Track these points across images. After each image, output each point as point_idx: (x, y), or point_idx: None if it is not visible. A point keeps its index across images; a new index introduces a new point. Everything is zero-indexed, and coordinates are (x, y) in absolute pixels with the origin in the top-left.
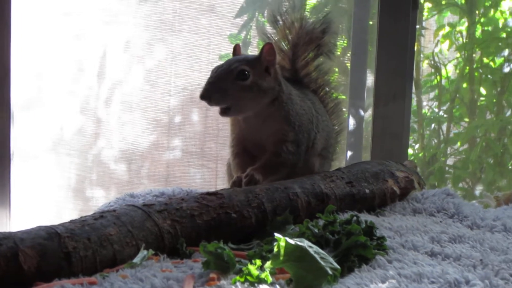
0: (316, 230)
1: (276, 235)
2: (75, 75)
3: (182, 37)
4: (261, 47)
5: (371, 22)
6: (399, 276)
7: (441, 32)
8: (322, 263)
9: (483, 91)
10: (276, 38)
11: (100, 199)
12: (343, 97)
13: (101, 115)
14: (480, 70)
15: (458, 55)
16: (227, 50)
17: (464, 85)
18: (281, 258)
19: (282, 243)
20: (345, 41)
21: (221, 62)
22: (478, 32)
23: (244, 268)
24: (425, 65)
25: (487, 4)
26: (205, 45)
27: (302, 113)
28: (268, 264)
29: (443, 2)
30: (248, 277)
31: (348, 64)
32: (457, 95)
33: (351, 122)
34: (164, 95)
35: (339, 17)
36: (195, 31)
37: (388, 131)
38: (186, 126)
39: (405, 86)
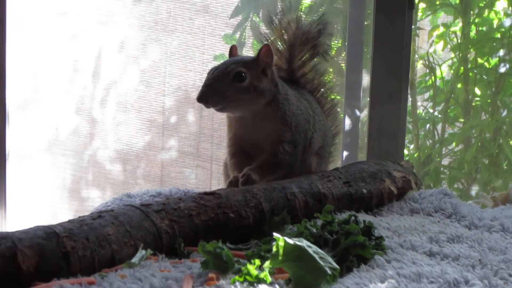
0: (314, 230)
1: (275, 234)
2: (71, 75)
3: (176, 38)
4: (255, 47)
5: (366, 22)
6: (398, 276)
7: (436, 33)
8: (321, 263)
9: (477, 91)
10: (272, 38)
11: (95, 199)
12: (338, 97)
13: (96, 115)
14: (474, 70)
15: (452, 55)
16: (222, 50)
17: (459, 85)
18: (280, 258)
19: (281, 243)
20: (340, 41)
21: (216, 62)
22: (473, 33)
23: (243, 268)
24: (419, 66)
25: (481, 4)
26: (199, 45)
27: (298, 113)
28: (267, 264)
29: (437, 3)
30: (247, 277)
31: (343, 65)
32: (452, 96)
33: (347, 122)
34: (158, 95)
35: (334, 18)
36: (189, 31)
37: (384, 131)
38: (181, 126)
39: (401, 86)
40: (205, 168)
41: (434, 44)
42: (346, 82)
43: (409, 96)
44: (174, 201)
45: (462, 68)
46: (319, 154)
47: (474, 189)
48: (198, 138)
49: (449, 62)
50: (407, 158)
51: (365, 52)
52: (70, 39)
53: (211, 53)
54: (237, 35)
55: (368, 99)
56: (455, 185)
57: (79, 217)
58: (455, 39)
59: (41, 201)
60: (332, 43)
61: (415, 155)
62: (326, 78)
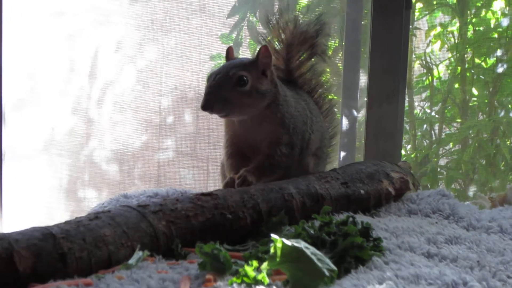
0: (312, 231)
1: (273, 236)
2: (67, 75)
3: (173, 37)
4: (252, 47)
5: (363, 22)
6: (396, 277)
7: (433, 33)
8: (319, 264)
9: (475, 91)
10: (269, 38)
11: (92, 199)
12: (335, 97)
13: (93, 116)
14: (472, 70)
15: (450, 55)
16: (218, 50)
17: (456, 85)
18: (278, 259)
19: (279, 244)
20: (337, 41)
21: (212, 62)
22: (470, 33)
23: (240, 270)
24: (416, 66)
25: (478, 4)
26: (196, 45)
27: (296, 114)
28: (264, 265)
29: (435, 2)
30: (245, 279)
31: (340, 64)
32: (449, 96)
33: (344, 122)
34: (155, 95)
35: (331, 17)
36: (186, 31)
37: (382, 132)
38: (178, 126)
39: (399, 86)
40: (201, 169)
41: (431, 44)
42: (343, 82)
43: (406, 96)
44: (171, 202)
45: (459, 68)
46: (316, 155)
47: (472, 190)
48: (194, 139)
49: (446, 62)
50: (404, 159)
51: (362, 52)
52: (67, 38)
53: (208, 53)
54: (234, 35)
55: (366, 99)
56: (452, 186)
57: (76, 218)
58: (452, 39)
59: (37, 202)
60: (329, 43)
61: (412, 155)
62: (323, 78)
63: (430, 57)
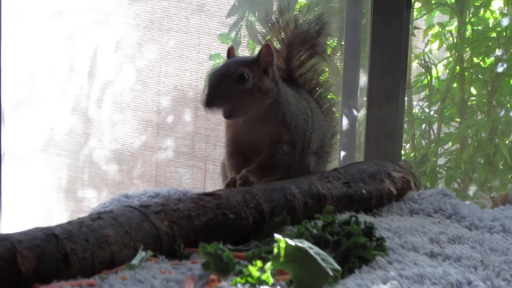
0: (315, 231)
1: (276, 236)
2: (66, 75)
3: (172, 37)
4: (251, 46)
5: (363, 22)
6: (400, 277)
7: (431, 32)
8: (323, 264)
9: (473, 91)
10: (268, 37)
11: (91, 199)
12: (334, 97)
13: (92, 115)
14: (470, 70)
15: (448, 54)
16: (217, 50)
17: (455, 85)
18: (281, 259)
19: (282, 244)
20: (336, 41)
21: (211, 61)
22: (468, 32)
23: (244, 270)
24: (415, 65)
25: (477, 3)
26: (195, 44)
27: (297, 113)
28: (268, 265)
29: (433, 2)
30: (249, 279)
31: (339, 64)
32: (448, 95)
33: (344, 122)
34: (154, 95)
35: (331, 17)
36: (185, 31)
37: (382, 131)
38: (177, 126)
39: (399, 86)
40: (200, 168)
41: (429, 43)
42: (343, 81)
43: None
44: (173, 202)
45: (458, 67)
46: (317, 155)
47: (471, 189)
48: (193, 138)
49: (445, 61)
50: (403, 158)
51: (362, 51)
52: (66, 38)
53: (207, 53)
54: (233, 35)
55: (366, 98)
56: (452, 185)
57: (78, 218)
58: (450, 39)
59: (36, 202)
60: (328, 42)
61: (411, 155)
62: (324, 78)
63: (428, 56)
